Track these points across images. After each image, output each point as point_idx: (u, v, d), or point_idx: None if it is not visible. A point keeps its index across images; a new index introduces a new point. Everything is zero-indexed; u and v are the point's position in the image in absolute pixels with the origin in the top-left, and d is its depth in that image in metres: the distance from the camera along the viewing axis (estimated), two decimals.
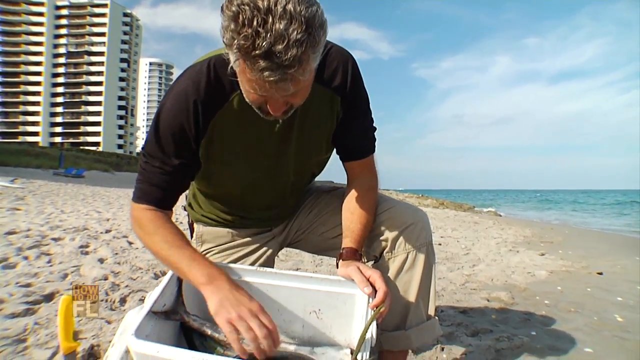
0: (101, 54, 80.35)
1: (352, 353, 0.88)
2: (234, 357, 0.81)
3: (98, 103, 79.36)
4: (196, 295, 0.91)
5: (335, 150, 1.16)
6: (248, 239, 1.25)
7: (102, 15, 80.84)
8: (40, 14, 78.82)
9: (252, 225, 1.25)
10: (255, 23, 0.68)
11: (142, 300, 1.95)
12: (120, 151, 72.98)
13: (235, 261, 1.21)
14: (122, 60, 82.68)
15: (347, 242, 1.06)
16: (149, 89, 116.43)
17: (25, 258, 2.68)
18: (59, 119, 79.97)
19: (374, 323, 0.83)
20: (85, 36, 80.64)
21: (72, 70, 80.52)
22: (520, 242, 6.00)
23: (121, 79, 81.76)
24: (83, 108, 79.75)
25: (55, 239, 3.44)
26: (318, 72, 0.97)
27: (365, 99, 1.10)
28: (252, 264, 1.21)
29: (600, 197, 48.72)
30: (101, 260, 2.81)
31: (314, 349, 0.98)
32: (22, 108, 78.21)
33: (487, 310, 2.34)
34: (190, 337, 0.93)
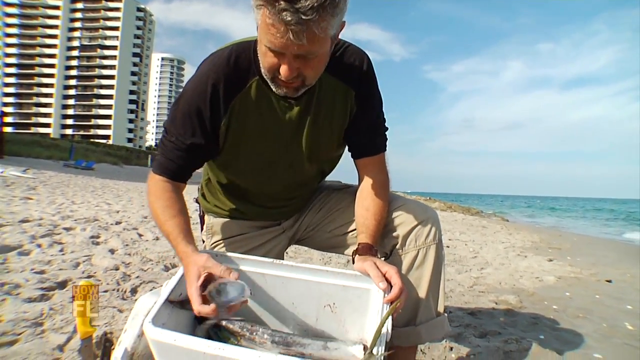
0: (114, 47, 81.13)
1: (365, 349, 0.88)
2: (248, 348, 0.83)
3: (109, 96, 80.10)
4: None
5: (347, 148, 1.17)
6: (258, 231, 1.27)
7: (116, 9, 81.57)
8: (56, 7, 79.72)
9: (262, 217, 1.26)
10: None
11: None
12: (130, 145, 73.52)
13: (244, 254, 1.22)
14: (135, 54, 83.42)
15: (363, 237, 1.07)
16: (160, 84, 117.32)
17: (39, 246, 2.72)
18: (70, 111, 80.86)
19: (390, 318, 0.84)
20: (98, 30, 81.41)
21: (85, 63, 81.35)
22: (529, 248, 5.95)
23: (133, 74, 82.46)
24: (94, 101, 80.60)
25: (66, 229, 3.48)
26: (334, 65, 1.00)
27: (378, 97, 1.12)
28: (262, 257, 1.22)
29: (610, 205, 48.09)
30: (112, 251, 2.84)
31: (327, 343, 0.99)
32: (35, 99, 79.22)
33: (495, 312, 2.33)
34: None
